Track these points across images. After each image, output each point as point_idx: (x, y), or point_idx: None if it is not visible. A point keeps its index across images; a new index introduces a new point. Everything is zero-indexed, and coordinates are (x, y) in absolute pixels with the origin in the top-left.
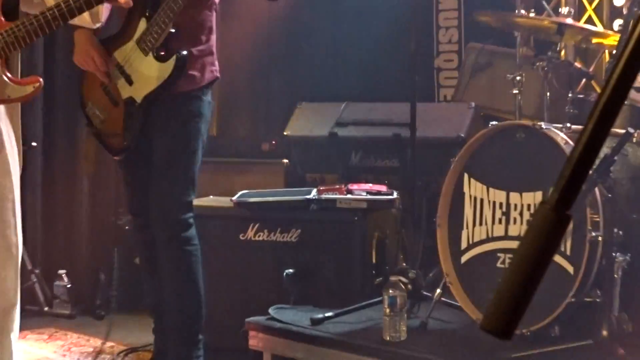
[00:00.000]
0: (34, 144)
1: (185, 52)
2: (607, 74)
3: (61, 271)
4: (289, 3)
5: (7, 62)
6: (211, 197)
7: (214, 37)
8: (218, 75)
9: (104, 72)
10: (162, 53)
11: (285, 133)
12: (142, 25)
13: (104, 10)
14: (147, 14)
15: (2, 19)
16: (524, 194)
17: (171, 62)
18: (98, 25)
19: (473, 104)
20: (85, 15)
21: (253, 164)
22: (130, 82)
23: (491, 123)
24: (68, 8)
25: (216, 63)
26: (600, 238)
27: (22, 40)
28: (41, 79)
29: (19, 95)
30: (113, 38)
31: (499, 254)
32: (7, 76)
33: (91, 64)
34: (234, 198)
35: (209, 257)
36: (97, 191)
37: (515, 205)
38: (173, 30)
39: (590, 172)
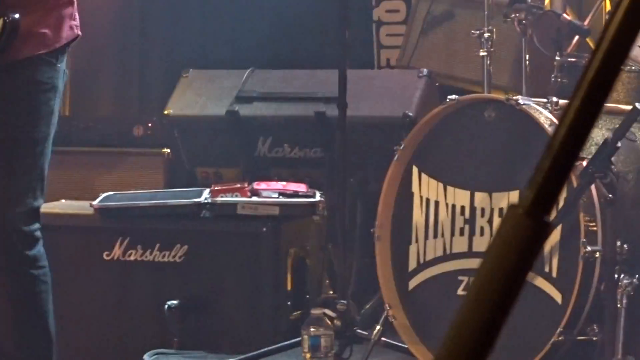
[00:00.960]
0: None
1: (16, 16)
2: (603, 30)
3: None
4: None
5: None
6: (63, 201)
7: None
8: (79, 32)
9: None
10: None
11: (165, 112)
12: None
13: None
14: None
15: None
16: (494, 195)
17: None
18: None
19: (425, 71)
20: None
21: (121, 155)
22: None
23: (450, 97)
24: None
25: (77, 16)
26: (597, 254)
27: None
28: None
29: None
30: None
31: (460, 277)
32: None
33: None
34: (95, 202)
35: (62, 284)
36: None
37: (483, 210)
38: None
39: (585, 163)
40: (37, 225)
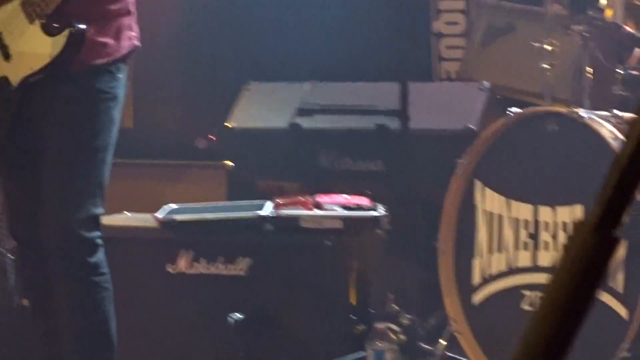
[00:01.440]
0: None
1: (83, 26)
2: None
3: None
4: None
5: None
6: (126, 213)
7: None
8: (138, 43)
9: None
10: (54, 25)
11: (228, 125)
12: None
13: None
14: None
15: None
16: (558, 209)
17: (62, 38)
18: None
19: (486, 84)
20: None
21: (183, 168)
22: (6, 55)
23: (511, 110)
24: None
25: (136, 27)
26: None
27: None
28: None
29: None
30: None
31: (524, 292)
32: None
33: None
34: (159, 215)
35: (124, 297)
36: None
37: (547, 224)
38: None
39: None
40: (97, 233)
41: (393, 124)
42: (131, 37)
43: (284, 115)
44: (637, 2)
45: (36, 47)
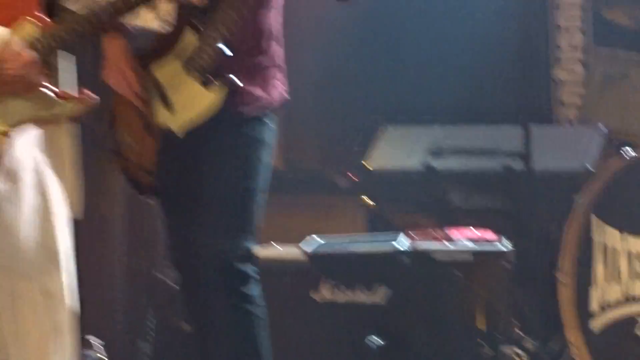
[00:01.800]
0: None
1: (235, 79)
2: None
3: (92, 338)
4: (368, 3)
5: (52, 71)
6: (274, 244)
7: (278, 46)
8: (287, 96)
9: (138, 95)
10: (210, 78)
11: (366, 165)
12: (191, 39)
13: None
14: (195, 24)
15: (46, 18)
16: None
17: (217, 89)
18: (167, 29)
19: (603, 127)
20: (149, 14)
21: (326, 203)
22: (169, 107)
23: (626, 151)
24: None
25: (284, 80)
26: None
27: (66, 42)
28: (92, 94)
29: (64, 112)
30: (151, 49)
31: (639, 319)
32: (52, 90)
33: (124, 85)
34: (304, 246)
35: (271, 324)
36: (132, 235)
37: None
38: (225, 50)
39: None
40: (250, 265)
41: (517, 164)
42: (281, 90)
43: (417, 156)
44: None
45: (194, 99)
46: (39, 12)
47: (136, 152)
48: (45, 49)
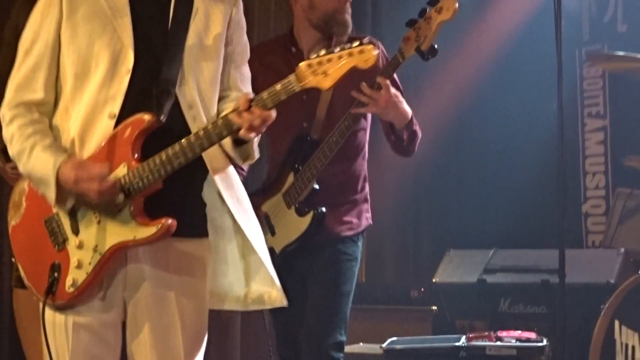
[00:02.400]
0: None
1: (323, 209)
2: None
3: None
4: (436, 149)
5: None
6: (361, 344)
7: (367, 185)
8: (371, 222)
9: None
10: (305, 209)
11: (433, 280)
12: (290, 178)
13: None
14: (295, 167)
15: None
16: None
17: (308, 218)
18: (248, 162)
19: (622, 250)
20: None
21: (401, 311)
22: (273, 233)
23: None
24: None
25: (369, 210)
26: None
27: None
28: (169, 220)
29: (143, 236)
30: (263, 189)
31: None
32: (137, 218)
33: None
34: (384, 345)
35: None
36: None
37: None
38: (316, 187)
39: None
40: (342, 355)
41: (553, 279)
42: (367, 217)
43: (474, 273)
44: None
45: (291, 225)
46: (132, 156)
47: None
48: (127, 184)
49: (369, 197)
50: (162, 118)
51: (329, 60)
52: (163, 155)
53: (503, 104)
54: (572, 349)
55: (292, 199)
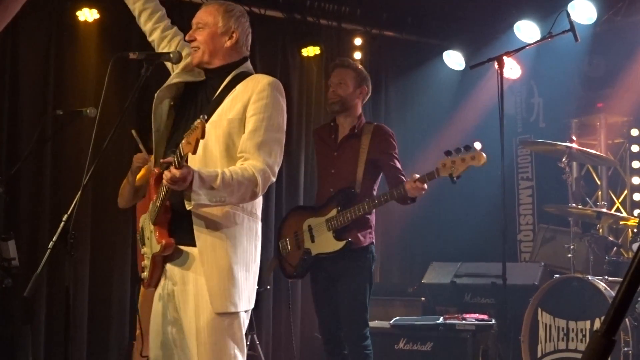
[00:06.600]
0: None
1: (351, 240)
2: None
3: None
4: (425, 198)
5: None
6: (376, 321)
7: (372, 217)
8: (373, 240)
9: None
10: (341, 236)
11: (422, 281)
12: (334, 212)
13: None
14: (339, 207)
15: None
16: (578, 322)
17: (341, 243)
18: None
19: (543, 263)
20: None
21: (402, 300)
22: (312, 240)
23: (555, 275)
24: None
25: (373, 231)
26: (630, 352)
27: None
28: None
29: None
30: (311, 207)
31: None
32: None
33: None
34: (391, 322)
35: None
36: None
37: (573, 329)
38: (349, 223)
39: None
40: (368, 329)
41: (499, 281)
42: (371, 237)
43: (448, 277)
44: (614, 226)
45: (328, 242)
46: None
47: (289, 253)
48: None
49: (373, 225)
50: None
51: None
52: None
53: (469, 171)
54: (511, 327)
55: (332, 226)
